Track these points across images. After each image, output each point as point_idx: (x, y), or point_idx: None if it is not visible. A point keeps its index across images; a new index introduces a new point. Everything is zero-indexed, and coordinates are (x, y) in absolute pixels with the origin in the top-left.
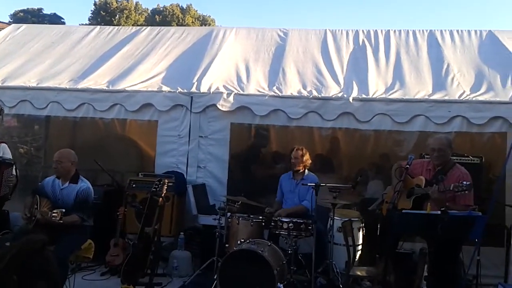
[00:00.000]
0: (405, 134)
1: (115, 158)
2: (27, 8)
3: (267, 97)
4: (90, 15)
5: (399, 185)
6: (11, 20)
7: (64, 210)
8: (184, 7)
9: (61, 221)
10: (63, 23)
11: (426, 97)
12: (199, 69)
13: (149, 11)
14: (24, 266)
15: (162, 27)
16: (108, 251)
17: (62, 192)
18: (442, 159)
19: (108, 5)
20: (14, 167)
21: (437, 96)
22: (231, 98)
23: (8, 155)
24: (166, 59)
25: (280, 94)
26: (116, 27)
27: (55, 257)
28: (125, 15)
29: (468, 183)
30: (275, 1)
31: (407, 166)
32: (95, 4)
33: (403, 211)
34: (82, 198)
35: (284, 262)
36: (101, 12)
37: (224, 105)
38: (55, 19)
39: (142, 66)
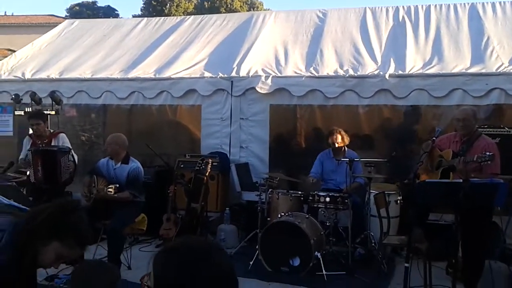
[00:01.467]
0: (443, 108)
1: (166, 142)
2: (82, 2)
3: (304, 78)
4: (142, 5)
5: (423, 157)
6: (67, 14)
7: (118, 185)
8: None
9: (116, 195)
10: (117, 15)
11: (464, 70)
12: (239, 54)
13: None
14: (56, 224)
15: (205, 16)
16: (161, 225)
17: (115, 171)
18: (467, 129)
19: None
20: (71, 153)
21: (474, 70)
22: (269, 81)
23: (67, 143)
24: (208, 46)
25: (316, 74)
26: (162, 18)
27: (112, 229)
28: (175, 4)
29: (490, 153)
30: None
31: (434, 138)
32: None
33: (425, 180)
34: (133, 177)
35: (322, 233)
36: (152, 2)
37: (262, 88)
38: (109, 11)
39: (186, 54)
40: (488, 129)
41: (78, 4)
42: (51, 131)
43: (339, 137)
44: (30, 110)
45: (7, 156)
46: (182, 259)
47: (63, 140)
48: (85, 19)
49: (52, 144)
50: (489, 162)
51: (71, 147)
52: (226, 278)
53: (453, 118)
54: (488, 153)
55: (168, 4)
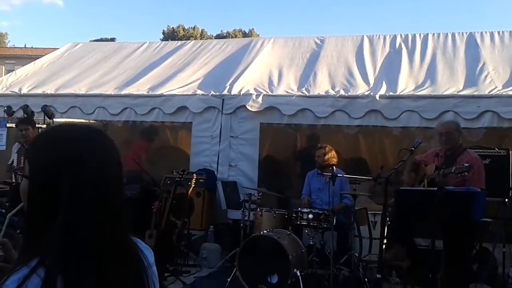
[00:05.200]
0: (433, 130)
1: (156, 159)
2: (101, 38)
3: (294, 97)
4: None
5: (399, 164)
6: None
7: None
8: (247, 32)
9: None
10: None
11: (455, 93)
12: (233, 74)
13: (213, 38)
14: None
15: (206, 40)
16: (144, 241)
17: None
18: (451, 142)
19: (175, 33)
20: None
21: (466, 92)
22: (259, 99)
23: None
24: (204, 67)
25: (307, 94)
26: (164, 42)
27: None
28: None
29: (467, 164)
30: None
31: (412, 148)
32: (163, 33)
33: (400, 188)
34: None
35: (304, 251)
36: (169, 40)
37: (253, 106)
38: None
39: (182, 74)
40: (478, 150)
41: (97, 40)
42: None
43: (321, 151)
44: None
45: (1, 170)
46: (60, 138)
47: None
48: (89, 42)
49: None
50: (466, 173)
51: None
52: (104, 160)
53: (436, 131)
54: (465, 164)
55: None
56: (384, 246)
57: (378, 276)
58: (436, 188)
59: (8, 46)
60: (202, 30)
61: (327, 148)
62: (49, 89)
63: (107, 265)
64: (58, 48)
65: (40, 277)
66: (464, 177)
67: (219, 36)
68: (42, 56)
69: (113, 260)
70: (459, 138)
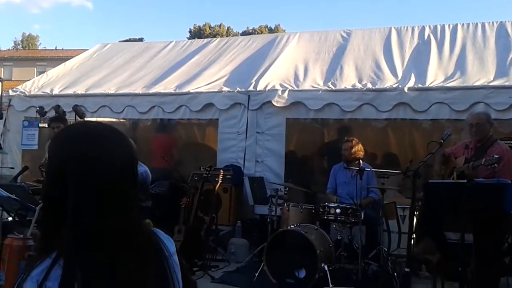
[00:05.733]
0: (464, 122)
1: (184, 157)
2: (129, 38)
3: (320, 91)
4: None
5: (428, 157)
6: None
7: None
8: (273, 27)
9: None
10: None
11: (486, 83)
12: (258, 70)
13: (239, 35)
14: None
15: (231, 37)
16: (173, 236)
17: None
18: (481, 134)
19: (202, 32)
20: None
21: (497, 82)
22: (285, 95)
23: None
24: (230, 64)
25: (334, 88)
26: (190, 41)
27: None
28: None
29: (497, 156)
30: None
31: (441, 141)
32: (190, 32)
33: (429, 180)
34: (140, 180)
35: (331, 245)
36: (196, 38)
37: (279, 101)
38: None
39: (208, 71)
40: (509, 142)
41: (126, 40)
42: None
43: (349, 144)
44: None
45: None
46: (70, 136)
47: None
48: (118, 43)
49: None
50: (496, 165)
51: None
52: (113, 157)
53: (466, 123)
54: (495, 156)
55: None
56: (413, 240)
57: (407, 270)
58: (465, 181)
59: (39, 48)
60: (228, 27)
61: (354, 141)
62: (80, 90)
63: (122, 255)
64: (87, 49)
65: (62, 268)
66: (494, 168)
67: (245, 33)
68: (72, 57)
69: (127, 250)
70: (490, 130)
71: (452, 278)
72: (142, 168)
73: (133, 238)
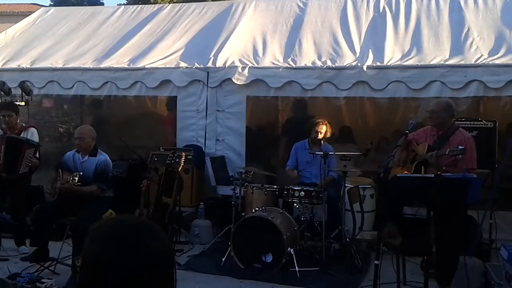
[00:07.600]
0: (420, 100)
1: (142, 134)
2: None
3: (281, 69)
4: None
5: (395, 150)
6: (51, 3)
7: (81, 173)
8: None
9: (83, 188)
10: (102, 3)
11: (442, 62)
12: (216, 44)
13: None
14: None
15: (184, 4)
16: None
17: (82, 165)
18: (435, 121)
19: None
20: (38, 150)
21: (453, 61)
22: (245, 72)
23: (36, 139)
24: (185, 35)
25: (294, 65)
26: (140, 6)
27: (77, 225)
28: None
29: (462, 147)
30: None
31: (407, 131)
32: None
33: (397, 175)
34: (101, 170)
35: (296, 228)
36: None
37: (239, 79)
38: (94, 1)
39: (162, 44)
40: (465, 122)
41: None
42: (23, 124)
43: (324, 127)
44: (0, 101)
45: None
46: (106, 233)
47: (32, 135)
48: (61, 7)
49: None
50: (460, 156)
51: (40, 144)
52: (152, 258)
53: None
54: (460, 147)
55: None
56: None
57: (376, 262)
58: (433, 175)
59: None
60: None
61: (326, 124)
62: (25, 63)
63: None
64: (23, 4)
65: None
66: (457, 157)
67: None
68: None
69: None
70: (449, 119)
71: (412, 254)
72: (102, 156)
73: None
